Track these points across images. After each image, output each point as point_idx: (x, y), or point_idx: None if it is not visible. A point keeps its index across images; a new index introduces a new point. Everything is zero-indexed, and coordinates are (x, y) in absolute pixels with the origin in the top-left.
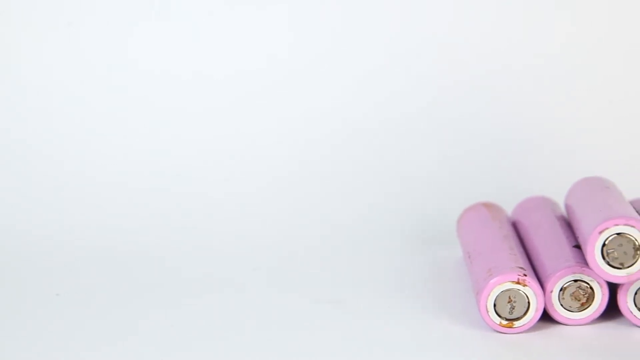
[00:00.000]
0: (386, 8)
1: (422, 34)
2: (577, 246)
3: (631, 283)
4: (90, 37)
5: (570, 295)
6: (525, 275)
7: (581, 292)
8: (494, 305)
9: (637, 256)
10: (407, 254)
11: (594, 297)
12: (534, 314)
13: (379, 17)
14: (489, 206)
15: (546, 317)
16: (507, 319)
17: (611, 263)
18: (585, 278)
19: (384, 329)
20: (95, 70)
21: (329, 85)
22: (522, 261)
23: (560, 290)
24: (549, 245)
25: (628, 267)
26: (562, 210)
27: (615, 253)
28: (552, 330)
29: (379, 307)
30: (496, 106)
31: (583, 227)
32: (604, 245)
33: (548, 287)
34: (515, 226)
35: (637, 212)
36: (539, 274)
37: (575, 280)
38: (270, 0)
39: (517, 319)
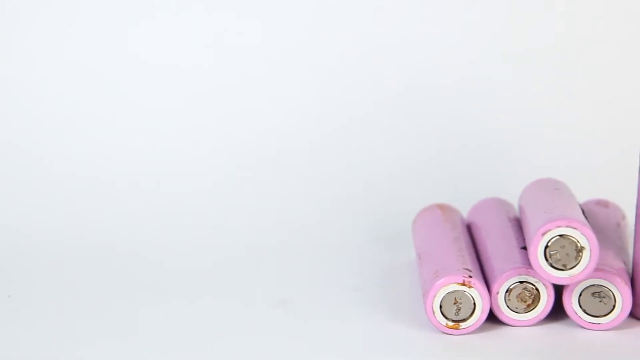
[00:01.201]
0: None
1: (382, 36)
2: (526, 248)
3: (576, 284)
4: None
5: (516, 296)
6: (470, 277)
7: (527, 293)
8: (440, 306)
9: (579, 257)
10: (363, 254)
11: (539, 299)
12: (479, 315)
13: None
14: (443, 207)
15: (493, 319)
16: (453, 320)
17: (554, 264)
18: (531, 279)
19: (331, 329)
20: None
21: (292, 85)
22: (470, 263)
23: (506, 291)
24: (499, 246)
25: (570, 268)
26: (517, 211)
27: (558, 255)
28: (498, 332)
29: (329, 307)
30: (460, 109)
31: (529, 228)
32: (546, 246)
33: (494, 288)
34: (469, 228)
35: (585, 213)
36: (488, 275)
37: (521, 282)
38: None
39: (463, 320)
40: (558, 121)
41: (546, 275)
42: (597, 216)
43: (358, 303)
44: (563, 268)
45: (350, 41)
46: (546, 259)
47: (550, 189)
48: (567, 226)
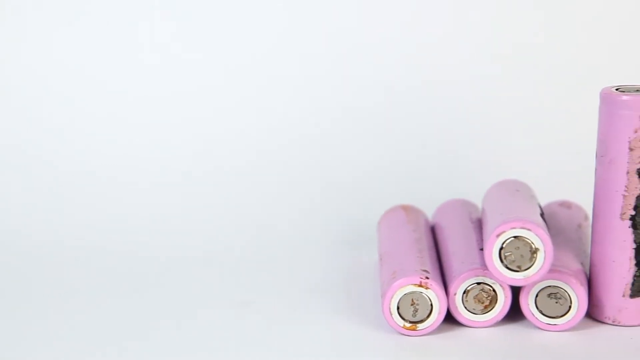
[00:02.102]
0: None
1: (349, 39)
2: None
3: (532, 285)
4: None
5: (474, 297)
6: (427, 278)
7: (484, 294)
8: (397, 307)
9: (534, 259)
10: (328, 256)
11: (497, 300)
12: (437, 316)
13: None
14: (407, 209)
15: (451, 320)
16: (410, 322)
17: (509, 266)
18: (488, 281)
19: (289, 330)
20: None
21: (257, 87)
22: (429, 264)
23: (464, 292)
24: (459, 247)
25: (525, 270)
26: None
27: (512, 256)
28: (456, 332)
29: (289, 308)
30: (429, 111)
31: (486, 229)
32: (501, 248)
33: (451, 289)
34: (433, 229)
35: (543, 215)
36: (447, 276)
37: (479, 283)
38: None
39: (421, 321)
40: (526, 122)
41: (501, 276)
42: (559, 217)
43: (319, 304)
44: (518, 269)
45: (320, 43)
46: (501, 261)
47: (511, 190)
48: (521, 227)
